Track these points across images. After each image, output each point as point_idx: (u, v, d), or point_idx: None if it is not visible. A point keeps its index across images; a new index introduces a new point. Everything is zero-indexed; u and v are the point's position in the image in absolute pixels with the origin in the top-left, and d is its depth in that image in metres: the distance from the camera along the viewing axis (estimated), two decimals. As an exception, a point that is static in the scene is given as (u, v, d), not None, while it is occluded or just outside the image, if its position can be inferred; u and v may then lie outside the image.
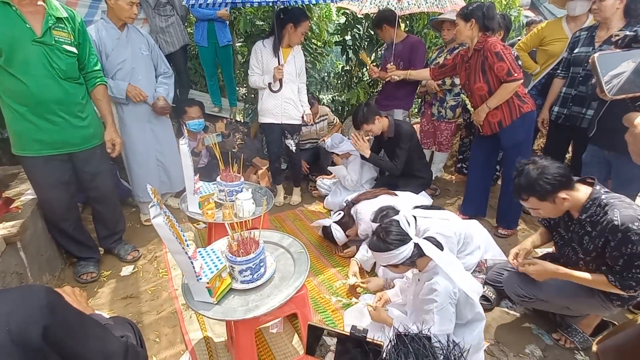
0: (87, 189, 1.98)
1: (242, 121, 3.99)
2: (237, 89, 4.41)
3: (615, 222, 1.25)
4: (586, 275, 1.39)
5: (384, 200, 2.21)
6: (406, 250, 1.30)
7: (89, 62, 1.79)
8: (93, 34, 2.03)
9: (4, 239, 1.42)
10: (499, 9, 7.21)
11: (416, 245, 1.31)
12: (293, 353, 1.56)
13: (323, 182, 3.19)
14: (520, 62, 2.48)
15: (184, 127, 2.71)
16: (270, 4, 2.53)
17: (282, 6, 2.53)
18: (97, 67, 1.85)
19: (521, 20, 7.50)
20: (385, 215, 1.77)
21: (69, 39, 1.64)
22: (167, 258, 2.12)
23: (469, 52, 2.28)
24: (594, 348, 1.04)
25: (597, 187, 1.38)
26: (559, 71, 2.39)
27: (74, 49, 1.67)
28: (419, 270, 1.41)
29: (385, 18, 2.82)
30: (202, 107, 2.86)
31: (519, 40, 4.45)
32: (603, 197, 1.34)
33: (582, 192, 1.39)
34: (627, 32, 0.59)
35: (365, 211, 2.14)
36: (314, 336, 0.78)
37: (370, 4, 3.06)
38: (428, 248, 1.29)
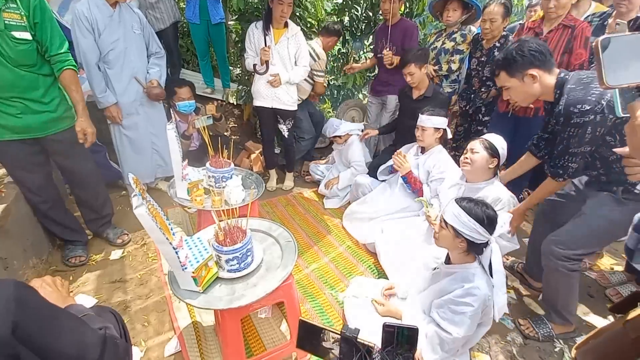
0: (63, 173, 1.94)
1: (235, 103, 3.90)
2: (231, 69, 4.28)
3: (560, 107, 1.27)
4: (537, 191, 1.51)
5: None
6: (480, 237, 1.26)
7: (51, 45, 1.59)
8: (84, 9, 1.94)
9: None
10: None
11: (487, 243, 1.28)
12: (281, 338, 1.58)
13: (317, 167, 3.17)
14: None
15: (174, 110, 2.64)
16: None
17: None
18: (63, 50, 1.65)
19: (523, 3, 7.32)
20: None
21: (22, 22, 1.49)
22: (157, 245, 2.10)
23: (544, 26, 2.10)
24: (574, 353, 1.05)
25: (562, 74, 1.33)
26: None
27: (26, 35, 1.50)
28: (452, 263, 1.40)
29: None
30: (192, 87, 2.76)
31: (519, 23, 4.36)
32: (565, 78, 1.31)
33: (554, 77, 1.33)
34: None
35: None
36: (304, 331, 0.78)
37: None
38: (494, 253, 1.29)
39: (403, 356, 0.72)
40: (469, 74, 2.75)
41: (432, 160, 2.23)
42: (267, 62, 2.45)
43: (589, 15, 2.20)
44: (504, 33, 2.44)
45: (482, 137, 1.84)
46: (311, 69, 2.82)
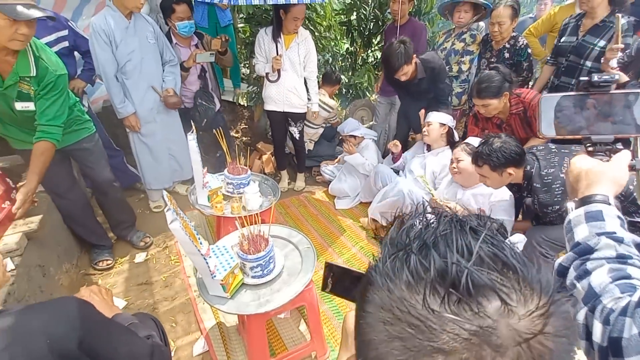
0: (85, 179, 2.03)
1: (246, 105, 3.96)
2: (240, 67, 4.32)
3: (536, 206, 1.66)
4: None
5: None
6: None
7: (42, 115, 1.58)
8: (102, 23, 2.01)
9: (25, 235, 1.49)
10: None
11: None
12: (300, 338, 1.67)
13: (327, 167, 3.23)
14: (529, 50, 2.42)
15: (173, 32, 2.49)
16: (261, 4, 2.36)
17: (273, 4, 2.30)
18: (52, 122, 1.60)
19: (534, -6, 7.17)
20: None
21: (32, 93, 1.56)
22: (179, 247, 2.20)
23: (497, 120, 2.16)
24: None
25: (527, 167, 1.65)
26: (549, 58, 2.39)
27: (30, 106, 1.57)
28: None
29: None
30: (190, 5, 2.43)
31: (529, 17, 4.32)
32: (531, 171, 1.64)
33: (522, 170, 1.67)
34: (583, 78, 0.61)
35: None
36: (330, 274, 0.79)
37: None
38: None
39: None
40: (478, 74, 2.76)
41: (438, 163, 2.28)
42: (278, 71, 2.50)
43: (566, 19, 2.24)
44: (514, 34, 2.45)
45: (463, 142, 1.93)
46: (325, 119, 3.13)
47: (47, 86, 1.57)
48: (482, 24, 2.98)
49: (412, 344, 0.25)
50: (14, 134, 1.70)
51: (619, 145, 0.63)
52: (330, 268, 0.77)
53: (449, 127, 2.36)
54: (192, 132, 1.80)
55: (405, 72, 2.30)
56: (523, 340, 0.23)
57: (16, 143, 1.73)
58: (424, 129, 2.34)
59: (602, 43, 1.99)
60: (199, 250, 1.17)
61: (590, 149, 0.64)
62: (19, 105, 1.55)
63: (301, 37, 2.51)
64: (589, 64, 2.05)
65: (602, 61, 1.88)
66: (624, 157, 0.61)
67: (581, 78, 0.63)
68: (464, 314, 0.24)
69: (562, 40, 2.22)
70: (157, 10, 3.20)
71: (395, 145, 2.69)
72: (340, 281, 0.76)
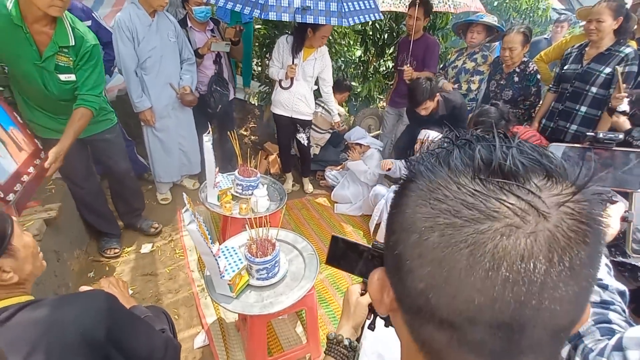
0: (104, 169, 2.10)
1: (257, 104, 4.03)
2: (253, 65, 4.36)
3: None
4: None
5: None
6: None
7: (83, 85, 1.67)
8: (126, 19, 2.07)
9: (44, 222, 1.56)
10: (527, 4, 6.93)
11: None
12: (296, 339, 1.74)
13: (331, 172, 3.30)
14: (538, 76, 2.49)
15: (189, 17, 2.51)
16: (291, 20, 2.38)
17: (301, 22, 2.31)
18: (91, 92, 1.69)
19: (549, 15, 7.22)
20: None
21: (70, 64, 1.63)
22: (184, 241, 2.27)
23: None
24: None
25: None
26: (551, 85, 2.48)
27: (71, 77, 1.64)
28: None
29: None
30: None
31: (544, 38, 4.37)
32: None
33: None
34: (589, 132, 0.66)
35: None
36: (336, 247, 0.78)
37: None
38: None
39: None
40: (487, 94, 2.83)
41: None
42: (291, 79, 2.57)
43: (569, 48, 2.34)
44: (524, 59, 2.51)
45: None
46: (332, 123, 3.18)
47: (84, 56, 1.64)
48: (496, 44, 3.04)
49: (457, 219, 0.25)
50: (41, 121, 1.75)
51: (615, 197, 0.70)
52: (336, 241, 0.77)
53: None
54: (208, 133, 1.87)
55: (426, 107, 2.40)
56: (565, 206, 0.24)
57: (41, 130, 1.77)
58: (416, 147, 2.41)
59: (607, 70, 2.08)
60: (211, 251, 1.24)
61: None
62: (63, 77, 1.61)
63: (320, 52, 2.59)
64: (594, 89, 2.14)
65: (608, 107, 1.95)
66: (619, 208, 0.67)
67: (587, 133, 0.70)
68: (508, 188, 0.25)
69: (565, 68, 2.30)
70: (177, 4, 3.26)
71: (385, 164, 2.75)
72: (346, 255, 0.76)
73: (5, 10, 1.44)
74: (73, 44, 1.59)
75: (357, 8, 2.30)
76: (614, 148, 0.67)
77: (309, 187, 3.22)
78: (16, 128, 1.50)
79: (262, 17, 2.06)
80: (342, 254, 0.75)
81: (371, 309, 0.73)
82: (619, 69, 1.86)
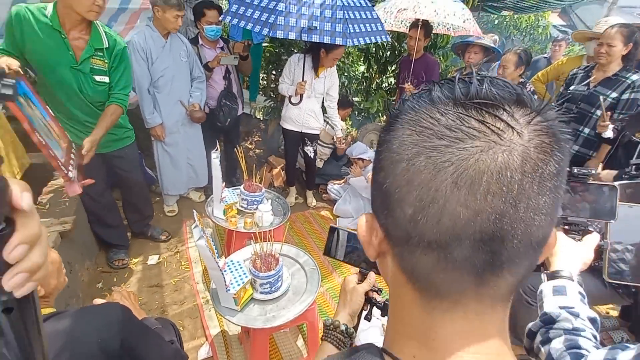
0: (119, 181, 2.19)
1: (262, 118, 4.14)
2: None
3: None
4: None
5: None
6: None
7: (116, 85, 1.83)
8: (141, 40, 2.19)
9: (60, 234, 1.63)
10: (527, 22, 7.08)
11: None
12: (297, 353, 1.78)
13: (334, 187, 3.36)
14: (535, 96, 2.56)
15: (201, 35, 2.62)
16: (300, 39, 2.45)
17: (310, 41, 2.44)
18: (122, 91, 1.85)
19: (549, 32, 7.36)
20: None
21: (104, 67, 1.76)
22: (189, 253, 2.33)
23: None
24: None
25: None
26: (553, 104, 2.51)
27: (105, 79, 1.77)
28: None
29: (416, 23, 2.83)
30: (220, 11, 2.58)
31: (544, 57, 4.48)
32: None
33: None
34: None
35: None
36: (334, 238, 0.80)
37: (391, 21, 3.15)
38: None
39: None
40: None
41: None
42: (301, 95, 2.68)
43: (574, 68, 2.38)
44: (522, 80, 2.60)
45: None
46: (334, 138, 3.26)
47: (116, 58, 1.78)
48: (495, 64, 3.14)
49: (442, 140, 0.27)
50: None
51: (591, 227, 0.76)
52: (334, 232, 0.78)
53: None
54: (216, 150, 1.95)
55: None
56: (534, 124, 0.27)
57: None
58: None
59: (613, 95, 2.11)
60: (218, 266, 1.30)
61: (565, 227, 0.76)
62: (98, 78, 1.75)
63: (329, 71, 2.72)
64: (598, 112, 2.15)
65: (597, 130, 2.02)
66: (594, 239, 0.73)
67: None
68: (487, 109, 0.27)
69: (571, 88, 2.32)
70: (188, 23, 3.41)
71: None
72: (344, 246, 0.78)
73: (44, 18, 1.56)
74: (107, 46, 1.74)
75: (363, 30, 2.41)
76: (588, 182, 0.74)
77: (312, 201, 3.28)
78: (52, 121, 1.59)
79: (271, 34, 2.18)
80: (339, 245, 0.78)
81: (367, 300, 0.75)
82: (602, 98, 1.93)
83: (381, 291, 0.76)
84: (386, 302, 0.75)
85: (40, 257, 0.34)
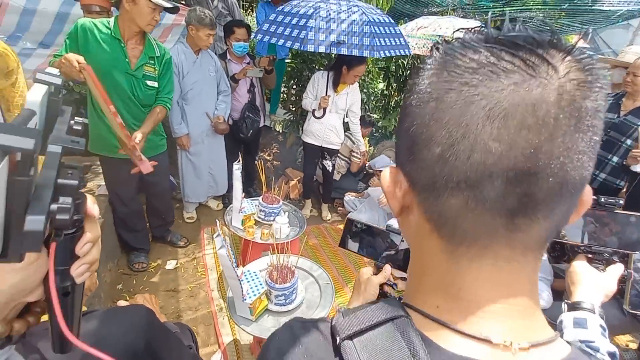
0: (147, 187, 2.29)
1: (281, 131, 4.24)
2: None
3: None
4: None
5: None
6: None
7: (163, 89, 2.05)
8: (174, 56, 2.33)
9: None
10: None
11: None
12: (307, 367, 1.78)
13: (350, 199, 3.38)
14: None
15: (229, 51, 2.76)
16: (330, 52, 2.56)
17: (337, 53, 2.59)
18: (168, 95, 2.07)
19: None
20: None
21: (154, 74, 1.95)
22: (206, 260, 2.39)
23: None
24: None
25: None
26: None
27: (155, 84, 1.97)
28: None
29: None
30: (249, 30, 2.71)
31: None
32: None
33: None
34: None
35: None
36: (350, 229, 0.80)
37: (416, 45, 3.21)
38: None
39: None
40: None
41: None
42: (324, 109, 2.76)
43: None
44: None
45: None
46: (351, 150, 3.32)
47: (164, 65, 2.00)
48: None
49: (475, 76, 0.26)
50: (107, 135, 1.93)
51: (616, 258, 0.74)
52: (351, 223, 0.77)
53: None
54: (238, 162, 2.03)
55: None
56: (569, 60, 0.26)
57: (103, 145, 1.97)
58: None
59: None
60: (237, 275, 1.34)
61: (589, 256, 0.75)
62: (149, 83, 1.95)
63: (352, 87, 2.81)
64: (629, 142, 2.14)
65: (627, 161, 1.99)
66: (617, 270, 0.71)
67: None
68: (522, 43, 0.26)
69: None
70: (216, 39, 3.58)
71: None
72: (360, 237, 0.76)
73: (107, 29, 1.79)
74: (158, 55, 1.95)
75: (388, 44, 2.49)
76: (615, 211, 0.73)
77: (327, 214, 3.31)
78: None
79: (302, 49, 2.29)
80: (356, 237, 0.77)
81: (381, 294, 0.74)
82: None
83: (395, 286, 0.75)
84: (400, 298, 0.76)
85: (97, 254, 0.41)
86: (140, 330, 0.89)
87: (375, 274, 0.76)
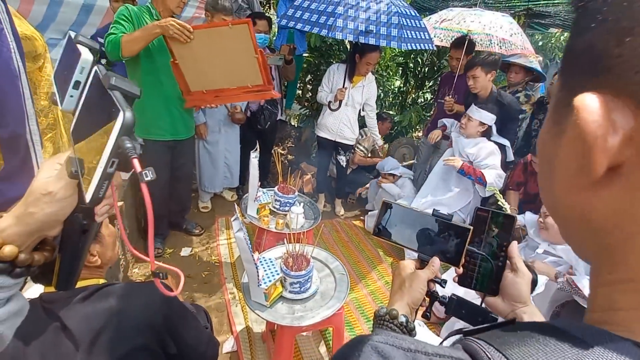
0: (174, 170, 2.32)
1: (296, 126, 4.24)
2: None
3: None
4: None
5: None
6: None
7: None
8: None
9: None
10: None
11: None
12: (319, 358, 1.76)
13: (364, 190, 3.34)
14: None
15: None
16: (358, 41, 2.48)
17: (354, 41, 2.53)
18: None
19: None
20: None
21: None
22: (220, 250, 2.40)
23: None
24: None
25: None
26: None
27: None
28: None
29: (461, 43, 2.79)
30: (269, 22, 2.80)
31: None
32: None
33: None
34: None
35: None
36: (386, 214, 0.72)
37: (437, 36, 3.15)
38: None
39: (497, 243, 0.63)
40: (529, 132, 2.81)
41: (475, 148, 2.31)
42: (340, 101, 2.73)
43: None
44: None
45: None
46: (358, 142, 3.26)
47: None
48: (539, 84, 3.03)
49: None
50: (154, 117, 2.04)
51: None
52: (388, 206, 0.70)
53: (489, 126, 2.31)
54: (255, 150, 2.03)
55: (476, 76, 2.31)
56: None
57: (149, 129, 2.05)
58: (462, 121, 2.36)
59: None
60: (254, 259, 1.33)
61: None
62: None
63: (368, 80, 2.76)
64: None
65: None
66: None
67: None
68: None
69: None
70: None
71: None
72: (396, 225, 0.69)
73: (149, 14, 1.92)
74: None
75: (415, 37, 2.43)
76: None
77: (340, 209, 3.29)
78: None
79: (330, 35, 2.23)
80: (392, 223, 0.68)
81: (430, 293, 0.64)
82: None
83: (445, 283, 0.65)
84: (453, 296, 0.65)
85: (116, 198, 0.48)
86: (158, 306, 0.89)
87: (419, 268, 0.65)
